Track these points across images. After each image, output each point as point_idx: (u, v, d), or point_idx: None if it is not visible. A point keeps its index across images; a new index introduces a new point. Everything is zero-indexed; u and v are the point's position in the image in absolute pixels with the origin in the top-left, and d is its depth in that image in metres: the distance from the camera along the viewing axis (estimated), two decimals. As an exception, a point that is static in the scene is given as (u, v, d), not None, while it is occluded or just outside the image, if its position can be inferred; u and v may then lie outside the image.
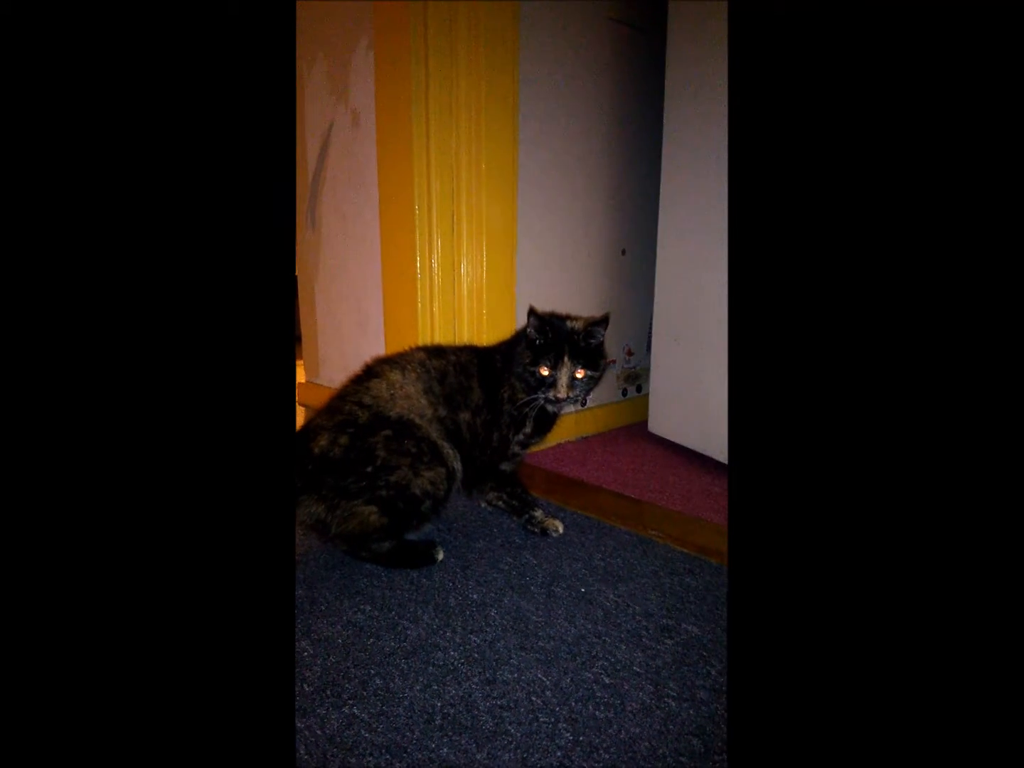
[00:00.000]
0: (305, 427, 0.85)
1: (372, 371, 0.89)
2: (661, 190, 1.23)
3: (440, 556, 0.83)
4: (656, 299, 1.29)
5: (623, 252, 1.44)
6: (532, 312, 0.87)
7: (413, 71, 1.03)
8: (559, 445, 1.36)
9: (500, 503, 0.97)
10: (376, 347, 1.28)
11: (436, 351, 0.92)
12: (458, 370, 0.90)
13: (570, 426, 1.39)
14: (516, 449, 0.94)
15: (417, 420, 0.84)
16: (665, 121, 1.20)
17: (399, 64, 1.05)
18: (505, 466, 0.95)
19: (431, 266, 1.11)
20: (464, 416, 0.89)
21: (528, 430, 0.93)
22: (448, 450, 0.86)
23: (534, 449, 1.30)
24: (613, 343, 1.48)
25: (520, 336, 0.91)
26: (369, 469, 0.80)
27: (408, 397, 0.85)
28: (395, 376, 0.87)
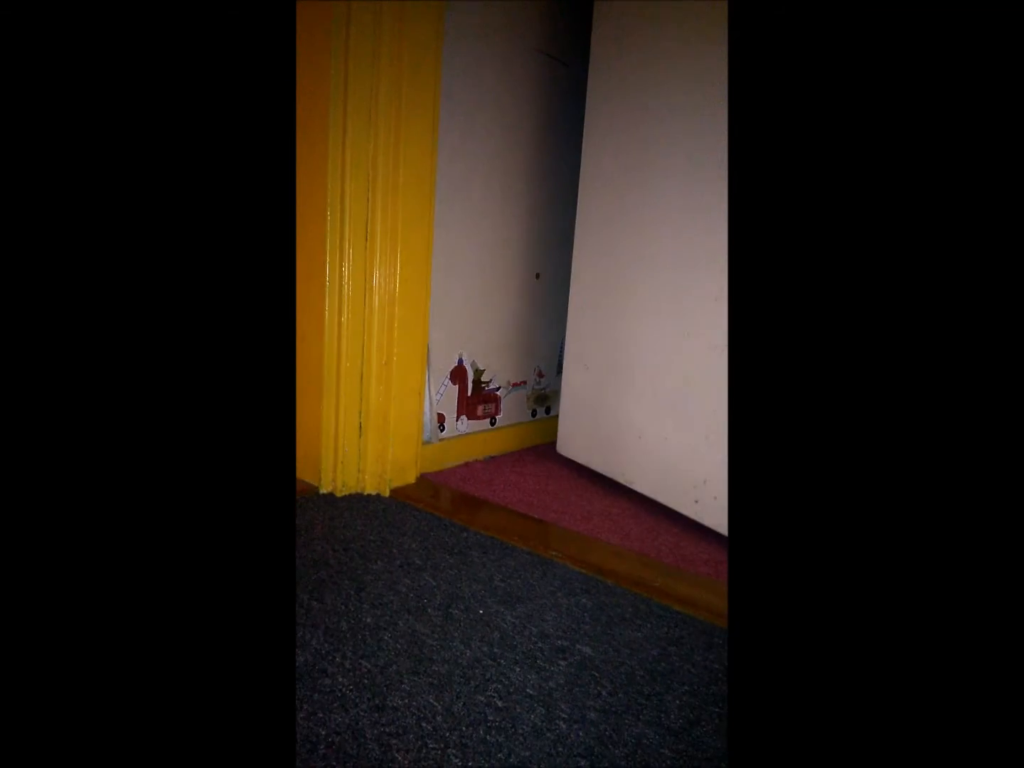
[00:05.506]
0: None
1: None
2: (577, 217, 1.27)
3: None
4: (568, 324, 1.32)
5: (537, 275, 1.47)
6: None
7: (332, 71, 1.01)
8: (467, 464, 1.35)
9: None
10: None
11: None
12: None
13: (478, 445, 1.38)
14: None
15: None
16: (583, 150, 1.24)
17: (318, 62, 1.02)
18: None
19: (341, 275, 1.08)
20: None
21: None
22: None
23: (446, 467, 1.29)
24: (525, 364, 1.49)
25: None
26: None
27: None
28: None
